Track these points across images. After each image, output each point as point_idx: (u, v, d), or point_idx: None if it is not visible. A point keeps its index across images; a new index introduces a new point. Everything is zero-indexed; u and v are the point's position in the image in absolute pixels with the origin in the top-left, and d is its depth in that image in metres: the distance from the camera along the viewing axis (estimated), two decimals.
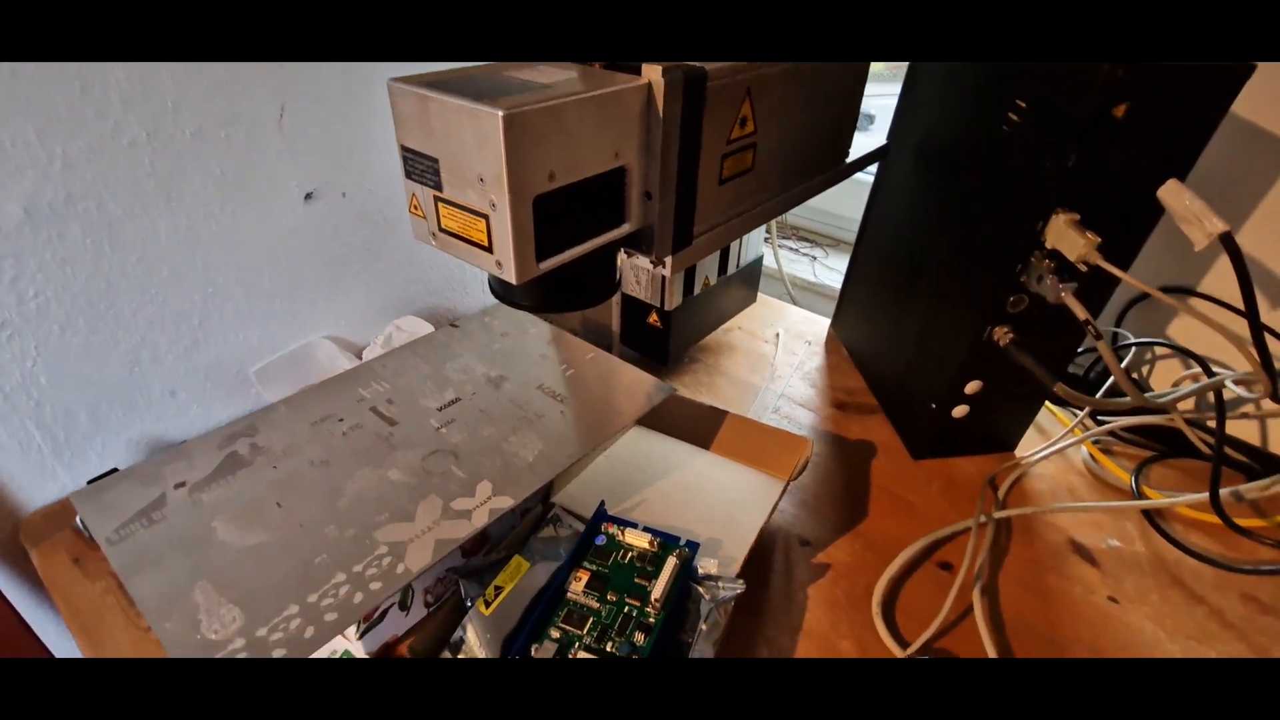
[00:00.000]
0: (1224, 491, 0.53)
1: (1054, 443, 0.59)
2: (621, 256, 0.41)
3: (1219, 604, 0.47)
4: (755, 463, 0.53)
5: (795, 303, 0.88)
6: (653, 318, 0.62)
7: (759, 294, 0.80)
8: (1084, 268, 0.42)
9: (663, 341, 0.63)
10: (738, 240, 0.66)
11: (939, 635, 0.44)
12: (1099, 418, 0.62)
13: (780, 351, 0.73)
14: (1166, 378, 0.65)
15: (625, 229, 0.35)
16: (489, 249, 0.29)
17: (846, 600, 0.46)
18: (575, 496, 0.49)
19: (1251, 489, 0.53)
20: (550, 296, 0.34)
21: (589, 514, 0.45)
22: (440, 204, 0.30)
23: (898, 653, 0.42)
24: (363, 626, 0.39)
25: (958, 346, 0.51)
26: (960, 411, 0.55)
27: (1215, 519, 0.50)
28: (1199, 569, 0.49)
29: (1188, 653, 0.44)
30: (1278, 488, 0.53)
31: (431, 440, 0.45)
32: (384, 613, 0.40)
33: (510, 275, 0.29)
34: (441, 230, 0.31)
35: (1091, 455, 0.58)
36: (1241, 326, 0.43)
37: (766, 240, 0.93)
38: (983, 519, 0.51)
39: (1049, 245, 0.44)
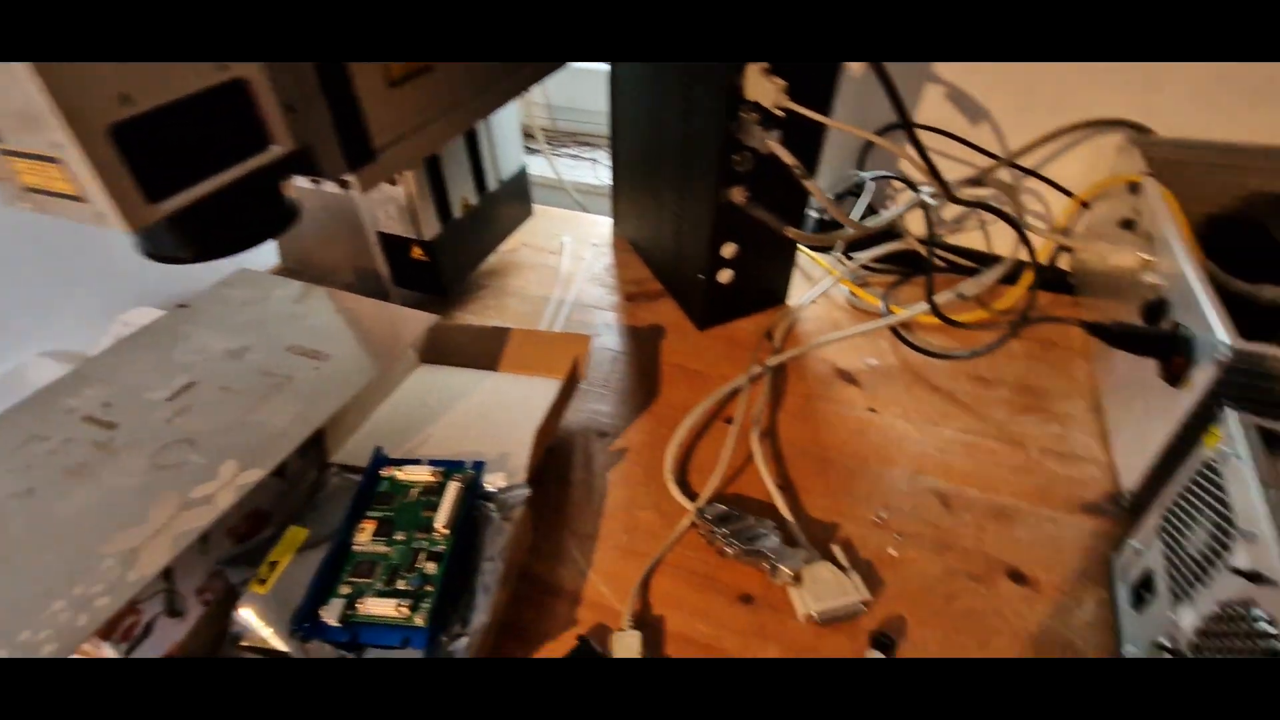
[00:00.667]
0: (949, 293, 0.61)
1: (817, 287, 0.64)
2: (332, 187, 0.37)
3: (952, 389, 0.54)
4: (542, 371, 0.53)
5: (585, 209, 0.87)
6: (416, 251, 0.59)
7: (540, 206, 0.78)
8: (781, 113, 0.44)
9: (433, 274, 0.60)
10: (490, 154, 0.63)
11: (727, 483, 0.48)
12: (852, 256, 0.68)
13: (567, 259, 0.72)
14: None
15: (276, 151, 0.31)
16: (80, 198, 0.25)
17: (644, 475, 0.48)
18: (356, 452, 0.47)
19: (969, 286, 0.60)
20: (202, 240, 0.30)
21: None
22: (9, 158, 0.25)
23: (689, 507, 0.45)
24: (124, 645, 0.35)
25: (705, 214, 0.53)
26: (726, 276, 0.58)
27: (961, 324, 0.57)
28: (937, 365, 0.57)
29: (925, 435, 0.50)
30: (989, 280, 0.61)
31: (162, 434, 0.40)
32: (148, 625, 0.36)
33: (118, 223, 0.25)
34: (28, 189, 0.26)
35: (851, 291, 0.64)
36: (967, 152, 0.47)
37: (534, 150, 0.90)
38: (756, 370, 0.55)
39: (749, 97, 0.45)
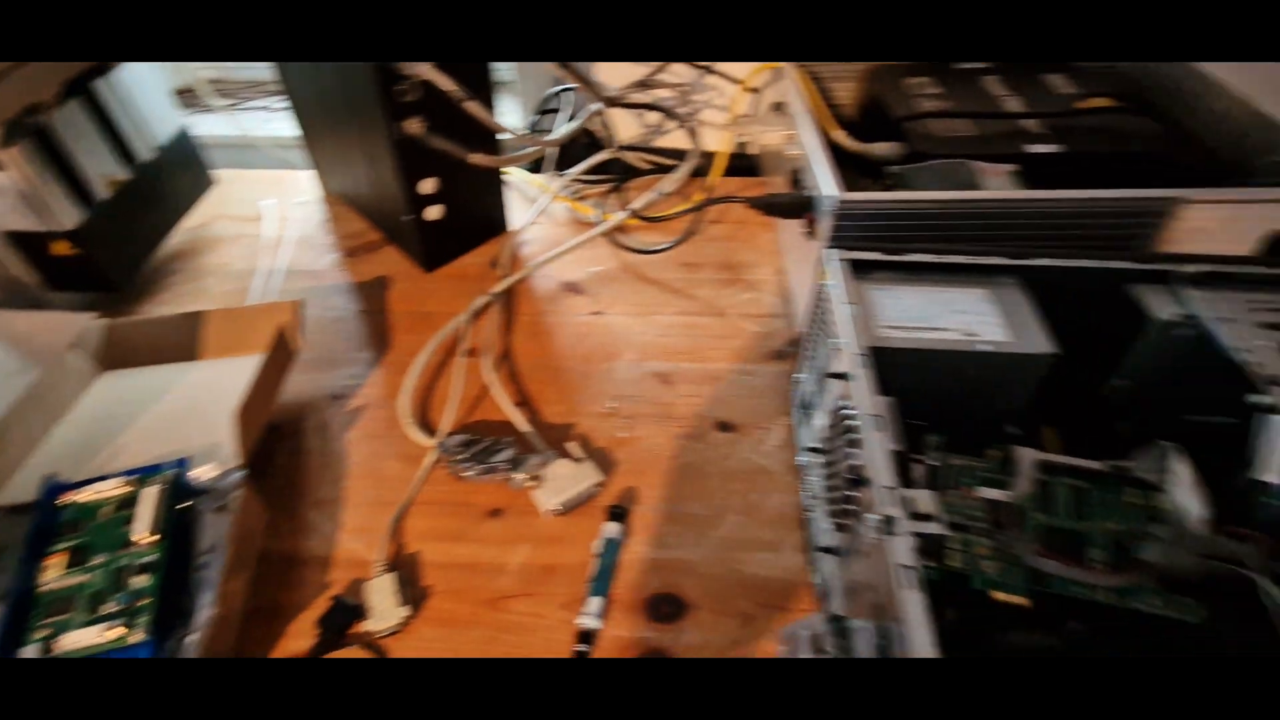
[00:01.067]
0: (652, 192, 0.66)
1: (534, 208, 0.65)
2: None
3: (665, 278, 0.60)
4: (252, 349, 0.49)
5: (293, 166, 0.79)
6: (58, 246, 0.50)
7: (232, 171, 0.70)
8: None
9: (90, 268, 0.52)
10: (128, 118, 0.54)
11: (469, 413, 0.49)
12: (564, 172, 0.70)
13: (270, 224, 0.66)
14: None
15: None
16: None
17: (385, 427, 0.48)
18: (29, 486, 0.41)
19: (668, 182, 0.65)
20: None
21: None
22: None
23: (428, 444, 0.46)
24: None
25: (387, 152, 0.51)
26: (435, 213, 0.57)
27: (658, 218, 0.61)
28: (652, 259, 0.61)
29: (645, 325, 0.55)
30: (684, 174, 0.67)
31: None
32: None
33: None
34: None
35: (569, 206, 0.66)
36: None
37: (205, 108, 0.80)
38: (481, 300, 0.56)
39: None
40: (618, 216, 0.61)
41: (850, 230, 0.44)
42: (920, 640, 0.23)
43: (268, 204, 0.68)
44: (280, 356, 0.46)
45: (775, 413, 0.49)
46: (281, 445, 0.47)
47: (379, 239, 0.64)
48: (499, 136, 0.54)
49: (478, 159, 0.49)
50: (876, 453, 0.29)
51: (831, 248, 0.40)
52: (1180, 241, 0.44)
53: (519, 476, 0.42)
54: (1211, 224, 0.43)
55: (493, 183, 0.61)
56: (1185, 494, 0.30)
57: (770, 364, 0.52)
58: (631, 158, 0.71)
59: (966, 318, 0.36)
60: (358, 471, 0.45)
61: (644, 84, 0.65)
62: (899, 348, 0.35)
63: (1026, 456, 0.34)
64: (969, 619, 0.33)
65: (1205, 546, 0.29)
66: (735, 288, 0.59)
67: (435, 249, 0.60)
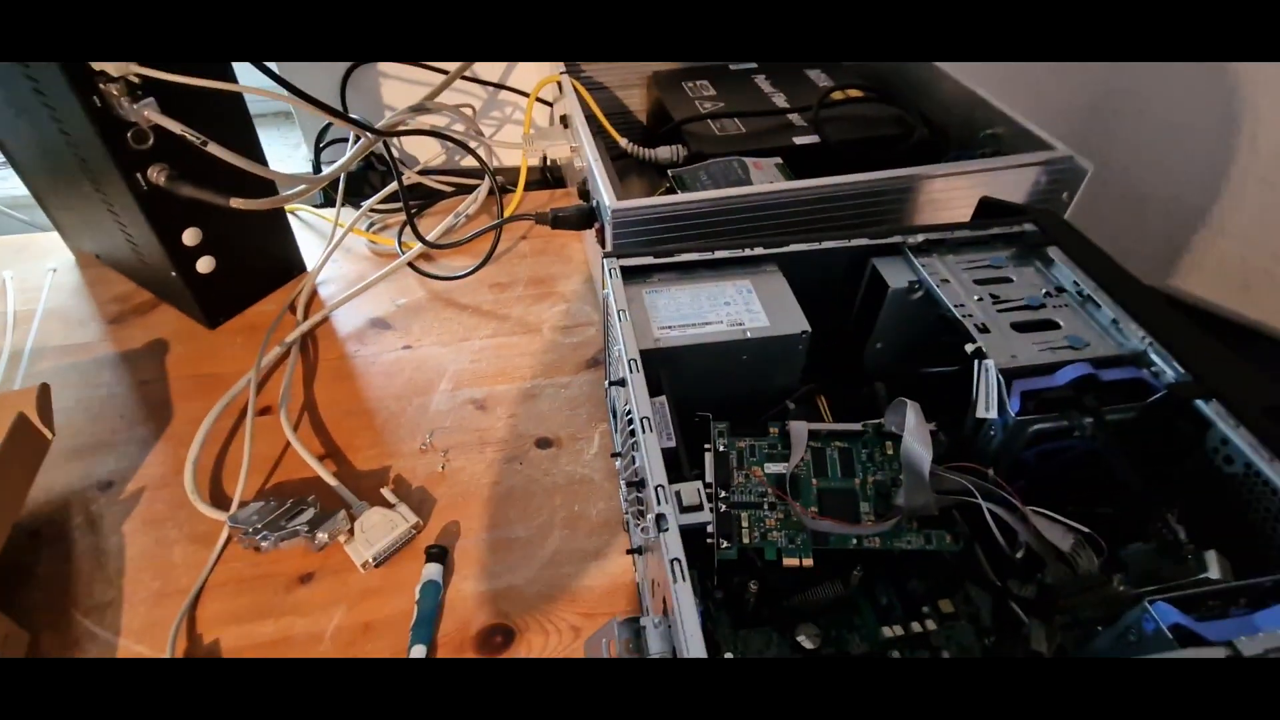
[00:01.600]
0: (454, 215, 0.65)
1: (327, 245, 0.62)
2: None
3: (475, 301, 0.59)
4: None
5: (39, 227, 0.70)
6: None
7: None
8: (137, 79, 0.40)
9: None
10: None
11: (268, 476, 0.45)
12: (361, 204, 0.67)
13: (13, 298, 0.58)
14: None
15: None
16: None
17: (169, 510, 0.44)
18: None
19: (466, 205, 0.65)
20: None
21: None
22: None
23: (221, 519, 0.42)
24: None
25: (131, 205, 0.47)
26: (206, 265, 0.52)
27: (446, 245, 0.60)
28: (460, 285, 0.60)
29: (458, 352, 0.54)
30: (479, 195, 0.66)
31: None
32: None
33: None
34: None
35: (368, 239, 0.64)
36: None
37: None
38: (276, 351, 0.53)
39: (97, 67, 0.39)
40: (416, 249, 0.60)
41: (629, 236, 0.46)
42: (691, 633, 0.24)
43: (6, 276, 0.59)
44: (22, 452, 0.40)
45: (593, 421, 0.49)
46: (43, 551, 0.41)
47: (149, 300, 0.58)
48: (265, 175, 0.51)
49: (240, 203, 0.46)
50: (648, 453, 0.30)
51: (608, 255, 0.41)
52: (917, 214, 0.50)
53: (322, 536, 0.40)
54: (940, 196, 0.49)
55: (276, 224, 0.57)
56: (914, 441, 0.34)
57: (585, 373, 0.53)
58: (432, 181, 0.69)
59: (733, 309, 0.39)
60: (139, 564, 0.41)
61: (422, 107, 0.64)
62: (673, 347, 0.37)
63: (798, 429, 0.37)
64: (769, 587, 0.35)
65: (938, 484, 0.33)
66: (547, 302, 0.59)
67: (215, 303, 0.55)
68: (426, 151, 0.76)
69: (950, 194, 0.50)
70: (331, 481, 0.44)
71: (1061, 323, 0.38)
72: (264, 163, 0.52)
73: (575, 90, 0.60)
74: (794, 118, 0.62)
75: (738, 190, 0.45)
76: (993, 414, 0.35)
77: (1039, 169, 0.49)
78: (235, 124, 0.49)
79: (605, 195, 0.46)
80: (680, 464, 0.32)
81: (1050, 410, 0.34)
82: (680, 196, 0.45)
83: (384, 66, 0.69)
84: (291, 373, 0.52)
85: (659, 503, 0.28)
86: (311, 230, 0.67)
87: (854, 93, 0.65)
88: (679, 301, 0.39)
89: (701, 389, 0.39)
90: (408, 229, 0.65)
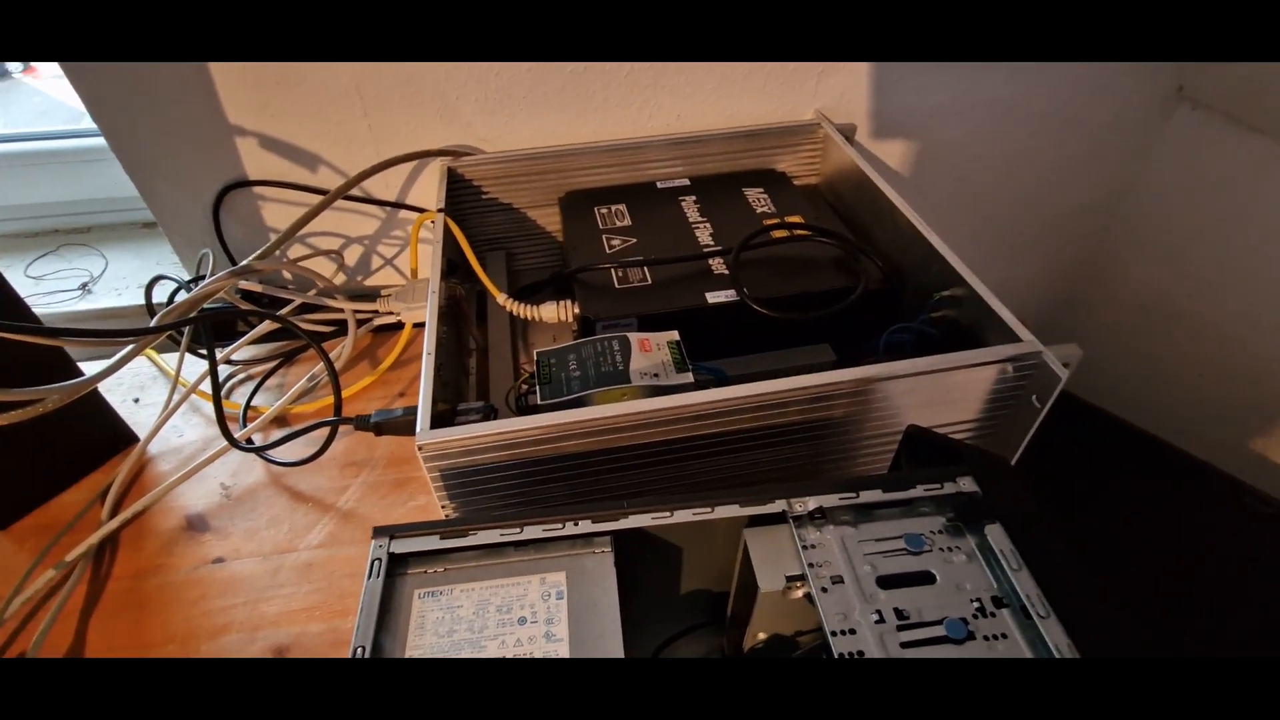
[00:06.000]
0: (308, 380, 0.55)
1: (160, 414, 0.53)
2: None
3: (316, 488, 0.49)
4: None
5: None
6: None
7: None
8: None
9: None
10: None
11: None
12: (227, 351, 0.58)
13: None
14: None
15: None
16: None
17: None
18: None
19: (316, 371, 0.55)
20: None
21: None
22: None
23: None
24: None
25: None
26: None
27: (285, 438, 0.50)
28: (298, 471, 0.50)
29: (276, 570, 0.43)
30: (347, 351, 0.57)
31: None
32: None
33: None
34: None
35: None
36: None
37: None
38: (48, 574, 0.43)
39: None
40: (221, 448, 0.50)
41: (455, 480, 0.36)
42: None
43: None
44: None
45: None
46: None
47: None
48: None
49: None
50: None
51: (378, 533, 0.31)
52: (848, 427, 0.39)
53: None
54: (879, 404, 0.38)
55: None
56: None
57: None
58: (306, 322, 0.60)
59: (526, 630, 0.28)
60: None
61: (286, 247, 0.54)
62: None
63: None
64: None
65: None
66: (404, 492, 0.49)
67: (2, 496, 0.46)
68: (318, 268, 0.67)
69: (889, 400, 0.38)
70: None
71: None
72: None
73: (448, 229, 0.50)
74: (715, 264, 0.51)
75: (577, 415, 0.35)
76: None
77: (1001, 364, 0.37)
78: None
79: (421, 412, 0.36)
80: None
81: None
82: (505, 425, 0.35)
83: (260, 190, 0.61)
84: (63, 603, 0.42)
85: None
86: (165, 382, 0.58)
87: (795, 218, 0.54)
88: (456, 616, 0.29)
89: None
90: (272, 379, 0.56)
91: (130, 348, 0.41)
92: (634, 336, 0.43)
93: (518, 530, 0.30)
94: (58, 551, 0.45)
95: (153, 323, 0.42)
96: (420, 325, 0.55)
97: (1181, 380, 0.79)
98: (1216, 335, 0.75)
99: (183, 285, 0.58)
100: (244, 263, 0.52)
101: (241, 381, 0.57)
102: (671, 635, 0.37)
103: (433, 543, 0.30)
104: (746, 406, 0.36)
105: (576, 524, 0.31)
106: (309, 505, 0.48)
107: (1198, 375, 0.78)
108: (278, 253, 0.58)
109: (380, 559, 0.30)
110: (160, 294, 0.57)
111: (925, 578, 0.29)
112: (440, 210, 0.52)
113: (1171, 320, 0.79)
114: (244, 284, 0.56)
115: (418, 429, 0.35)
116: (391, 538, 0.30)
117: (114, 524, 0.46)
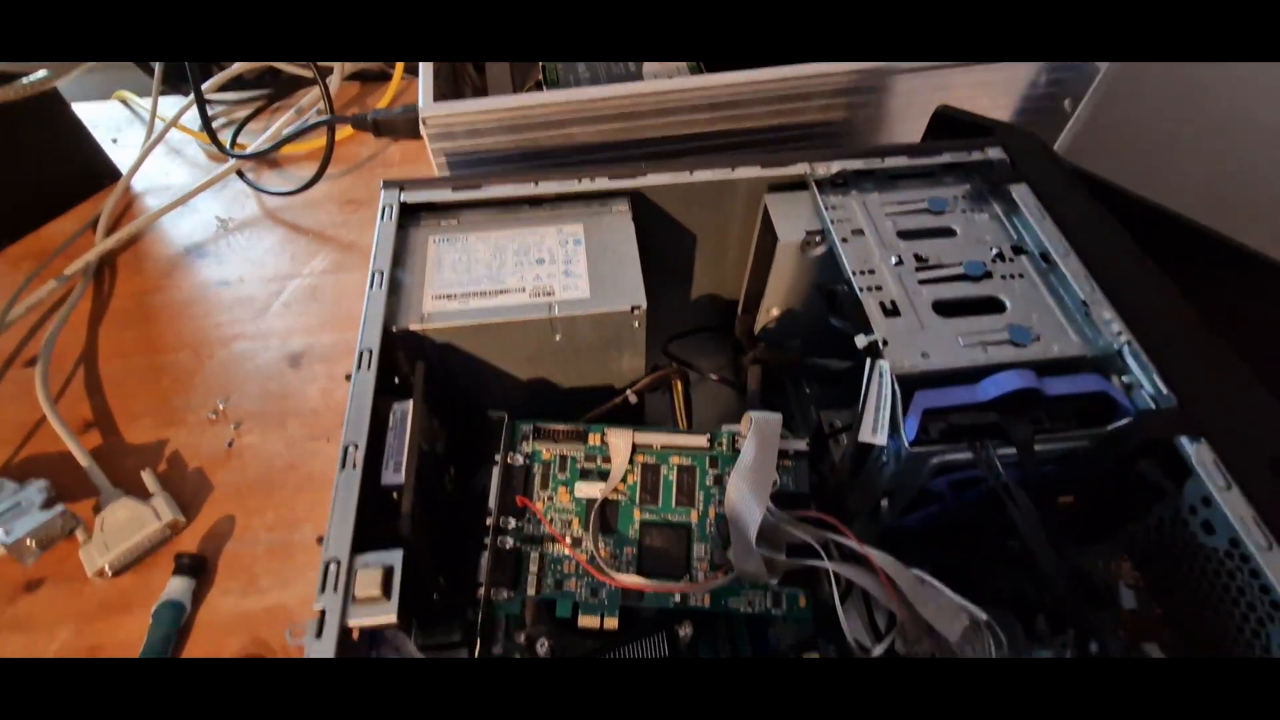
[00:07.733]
0: (290, 113, 0.52)
1: (142, 147, 0.50)
2: None
3: (315, 222, 0.48)
4: None
5: None
6: None
7: None
8: None
9: None
10: None
11: (15, 452, 0.37)
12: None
13: None
14: None
15: None
16: None
17: None
18: None
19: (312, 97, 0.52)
20: None
21: None
22: None
23: None
24: None
25: None
26: None
27: (274, 147, 0.48)
28: (302, 200, 0.49)
29: (281, 289, 0.43)
30: (335, 84, 0.53)
31: None
32: None
33: None
34: None
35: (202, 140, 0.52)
36: None
37: None
38: (51, 285, 0.43)
39: None
40: (230, 164, 0.48)
41: (459, 155, 0.34)
42: None
43: None
44: None
45: None
46: None
47: None
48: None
49: None
50: (337, 503, 0.21)
51: (388, 185, 0.30)
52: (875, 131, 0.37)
53: (31, 545, 0.32)
54: (901, 104, 0.36)
55: (59, 119, 0.46)
56: (743, 484, 0.24)
57: None
58: (292, 65, 0.56)
59: (545, 271, 0.28)
60: None
61: None
62: (442, 329, 0.26)
63: (618, 441, 0.27)
64: (562, 645, 0.27)
65: (782, 539, 0.24)
66: None
67: None
68: None
69: (912, 101, 0.37)
70: (84, 461, 0.36)
71: (1008, 302, 0.27)
72: None
73: None
74: None
75: (583, 93, 0.33)
76: (879, 439, 0.24)
77: (1035, 65, 0.35)
78: None
79: (422, 88, 0.34)
80: (400, 515, 0.22)
81: (960, 439, 0.24)
82: (517, 99, 0.33)
83: None
84: (67, 313, 0.42)
85: (323, 589, 0.19)
86: (141, 123, 0.55)
87: None
88: (473, 258, 0.28)
89: (498, 378, 0.29)
90: (256, 121, 0.53)
91: None
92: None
93: (532, 184, 0.30)
94: (55, 268, 0.44)
95: None
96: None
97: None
98: None
99: None
100: None
101: (224, 126, 0.54)
102: (679, 332, 0.37)
103: (445, 194, 0.29)
104: (768, 95, 0.34)
105: (593, 180, 0.30)
106: (310, 236, 0.47)
107: None
108: None
109: (392, 204, 0.29)
110: None
111: (946, 232, 0.29)
112: None
113: None
114: None
115: (420, 103, 0.33)
116: (402, 189, 0.29)
117: (110, 242, 0.45)
